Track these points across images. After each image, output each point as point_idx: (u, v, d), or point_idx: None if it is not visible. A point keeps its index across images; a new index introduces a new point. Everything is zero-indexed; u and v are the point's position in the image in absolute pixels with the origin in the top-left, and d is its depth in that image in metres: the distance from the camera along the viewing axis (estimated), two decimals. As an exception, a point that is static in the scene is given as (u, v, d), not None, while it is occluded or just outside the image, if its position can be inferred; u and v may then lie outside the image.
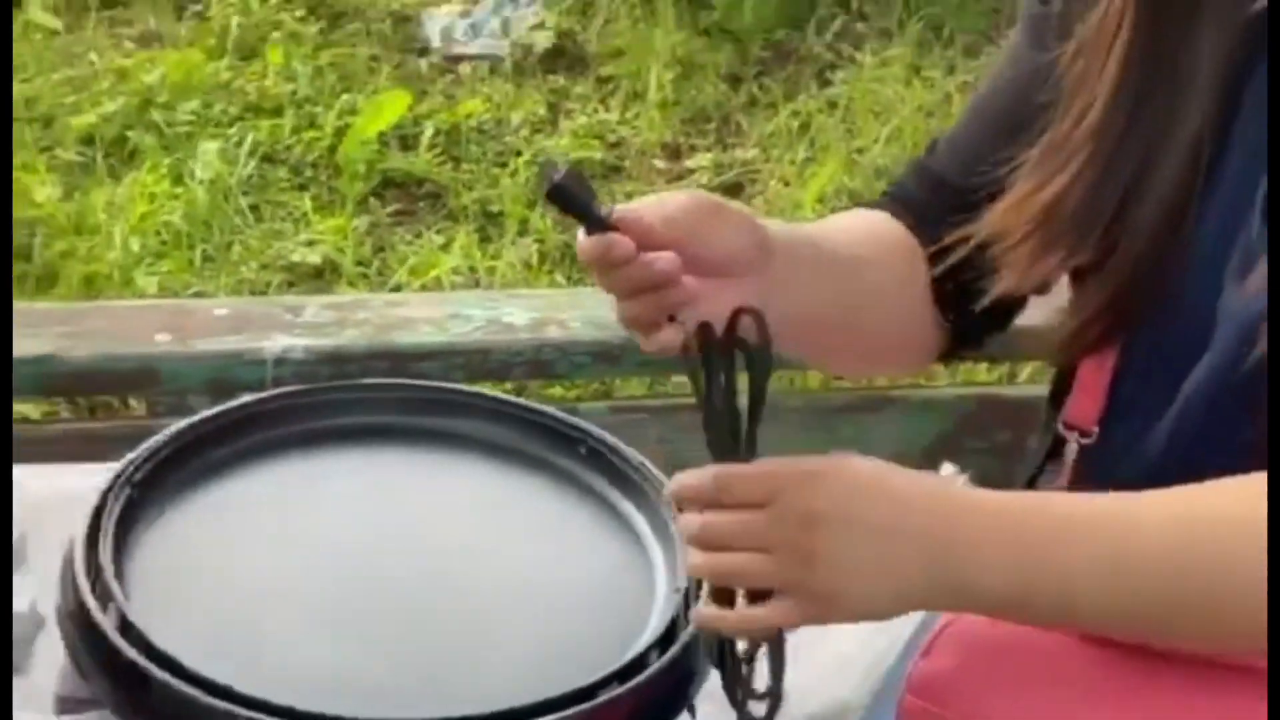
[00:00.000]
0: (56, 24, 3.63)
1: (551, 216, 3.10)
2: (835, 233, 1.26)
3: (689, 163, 3.38)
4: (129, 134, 3.14)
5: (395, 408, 1.38)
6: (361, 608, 1.21)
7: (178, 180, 3.05)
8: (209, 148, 3.11)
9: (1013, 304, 1.24)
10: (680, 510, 1.05)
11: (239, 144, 3.15)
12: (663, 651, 1.15)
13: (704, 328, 1.05)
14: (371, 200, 3.15)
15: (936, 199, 1.24)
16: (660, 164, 3.37)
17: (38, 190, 2.94)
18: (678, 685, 1.16)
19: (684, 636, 1.15)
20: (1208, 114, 1.09)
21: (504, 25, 3.86)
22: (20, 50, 3.43)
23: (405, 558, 1.27)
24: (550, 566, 1.26)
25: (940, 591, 1.02)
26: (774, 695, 1.06)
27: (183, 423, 1.32)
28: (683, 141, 3.44)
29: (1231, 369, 1.07)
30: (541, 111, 3.48)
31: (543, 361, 1.71)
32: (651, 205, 1.11)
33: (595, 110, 3.51)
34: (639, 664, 1.14)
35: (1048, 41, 1.17)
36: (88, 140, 3.13)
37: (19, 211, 2.88)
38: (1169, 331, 1.11)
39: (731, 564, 1.01)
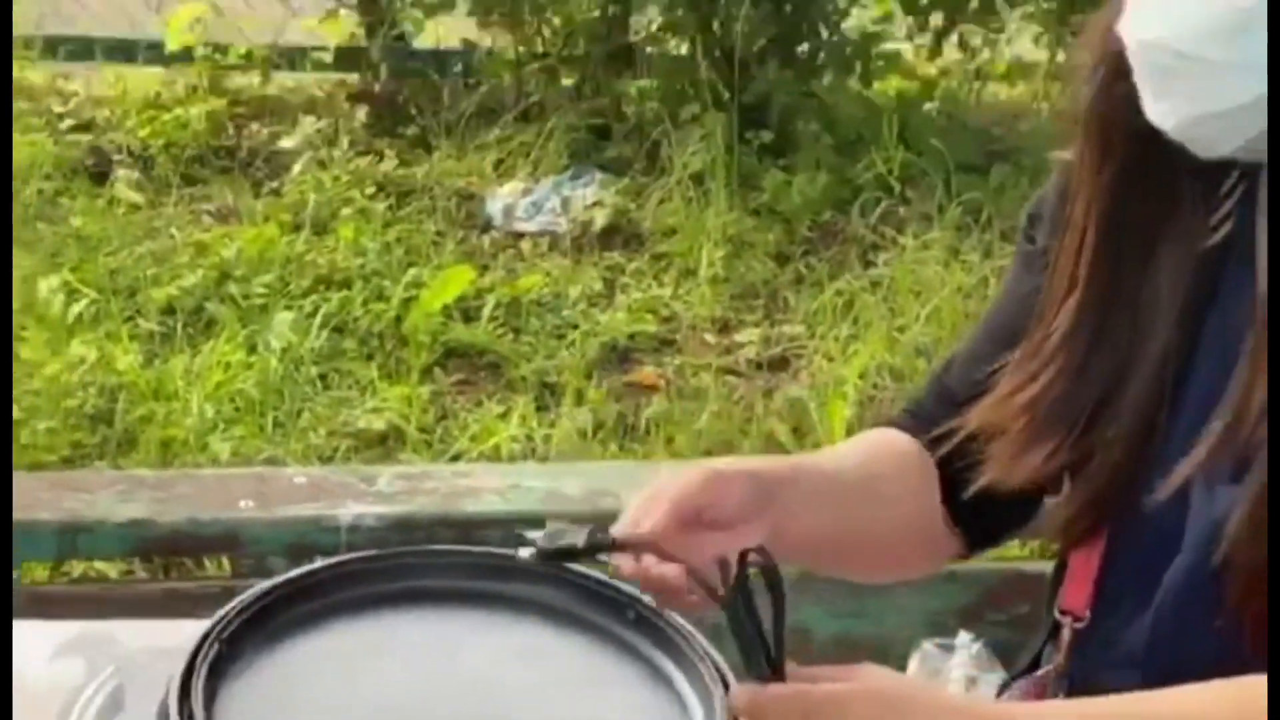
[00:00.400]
0: (140, 199, 3.84)
1: (608, 386, 3.24)
2: (849, 455, 1.38)
3: (738, 337, 3.52)
4: (207, 305, 3.32)
5: (459, 573, 1.50)
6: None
7: (252, 349, 3.21)
8: (282, 319, 3.28)
9: (1029, 504, 1.34)
10: None
11: (310, 315, 3.32)
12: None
13: (724, 565, 1.17)
14: (435, 369, 3.30)
15: (946, 413, 1.35)
16: (710, 338, 3.51)
17: (120, 358, 3.11)
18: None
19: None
20: (1171, 337, 1.21)
21: (563, 203, 4.05)
22: (106, 224, 3.64)
23: (463, 707, 1.38)
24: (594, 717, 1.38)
25: None
26: None
27: (265, 584, 1.44)
28: (732, 317, 3.59)
29: (1202, 566, 1.17)
30: (598, 286, 3.65)
31: (595, 530, 1.83)
32: (649, 507, 1.26)
33: (649, 286, 3.67)
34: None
35: (1037, 270, 1.31)
36: (168, 311, 3.31)
37: (103, 378, 3.05)
38: (1148, 529, 1.22)
39: None
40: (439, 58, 4.48)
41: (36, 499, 1.66)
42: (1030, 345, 1.27)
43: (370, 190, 3.91)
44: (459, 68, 4.46)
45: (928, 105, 4.42)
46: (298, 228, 3.69)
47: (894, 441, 1.40)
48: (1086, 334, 1.24)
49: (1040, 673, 1.31)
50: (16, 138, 3.85)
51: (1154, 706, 1.13)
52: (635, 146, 4.18)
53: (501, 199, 4.02)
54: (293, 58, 4.50)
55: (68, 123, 4.14)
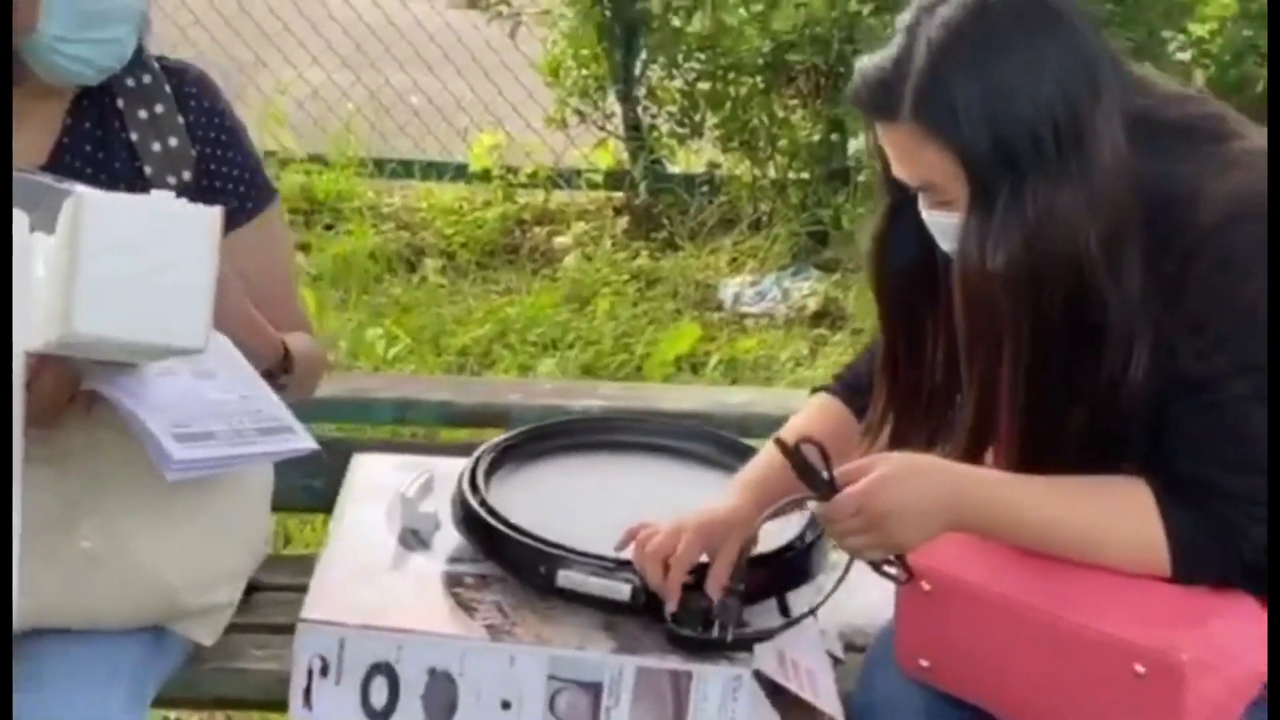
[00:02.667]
0: (444, 281, 4.82)
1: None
2: (798, 429, 2.06)
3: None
4: (492, 349, 4.25)
5: (644, 431, 2.37)
6: (611, 523, 2.13)
7: (526, 381, 4.10)
8: (547, 363, 4.18)
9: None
10: None
11: (570, 361, 4.22)
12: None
13: (797, 450, 1.89)
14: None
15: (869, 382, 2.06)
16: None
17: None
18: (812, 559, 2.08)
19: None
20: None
21: (784, 293, 4.86)
22: (417, 295, 4.61)
23: (635, 502, 2.19)
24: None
25: (954, 528, 1.87)
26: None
27: (525, 427, 2.34)
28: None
29: None
30: (804, 351, 4.46)
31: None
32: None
33: (847, 352, 4.46)
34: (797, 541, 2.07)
35: None
36: (462, 353, 4.25)
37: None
38: None
39: (851, 545, 1.90)
40: (688, 178, 5.34)
41: (378, 385, 2.59)
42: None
43: (625, 277, 4.81)
44: (705, 187, 5.32)
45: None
46: (566, 302, 4.61)
47: (827, 407, 2.13)
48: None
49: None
50: (348, 235, 4.86)
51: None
52: (848, 249, 4.99)
53: (732, 287, 4.85)
54: (569, 177, 5.46)
55: (389, 224, 5.16)
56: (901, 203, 1.92)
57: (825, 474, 1.88)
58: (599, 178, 5.43)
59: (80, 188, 1.72)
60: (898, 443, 2.00)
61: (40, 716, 1.85)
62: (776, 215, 5.08)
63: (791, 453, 1.88)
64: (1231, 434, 1.79)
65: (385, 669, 1.98)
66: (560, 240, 5.07)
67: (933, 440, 1.98)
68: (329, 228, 5.02)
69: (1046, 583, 1.85)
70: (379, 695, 1.98)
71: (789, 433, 2.03)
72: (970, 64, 1.78)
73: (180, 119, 2.09)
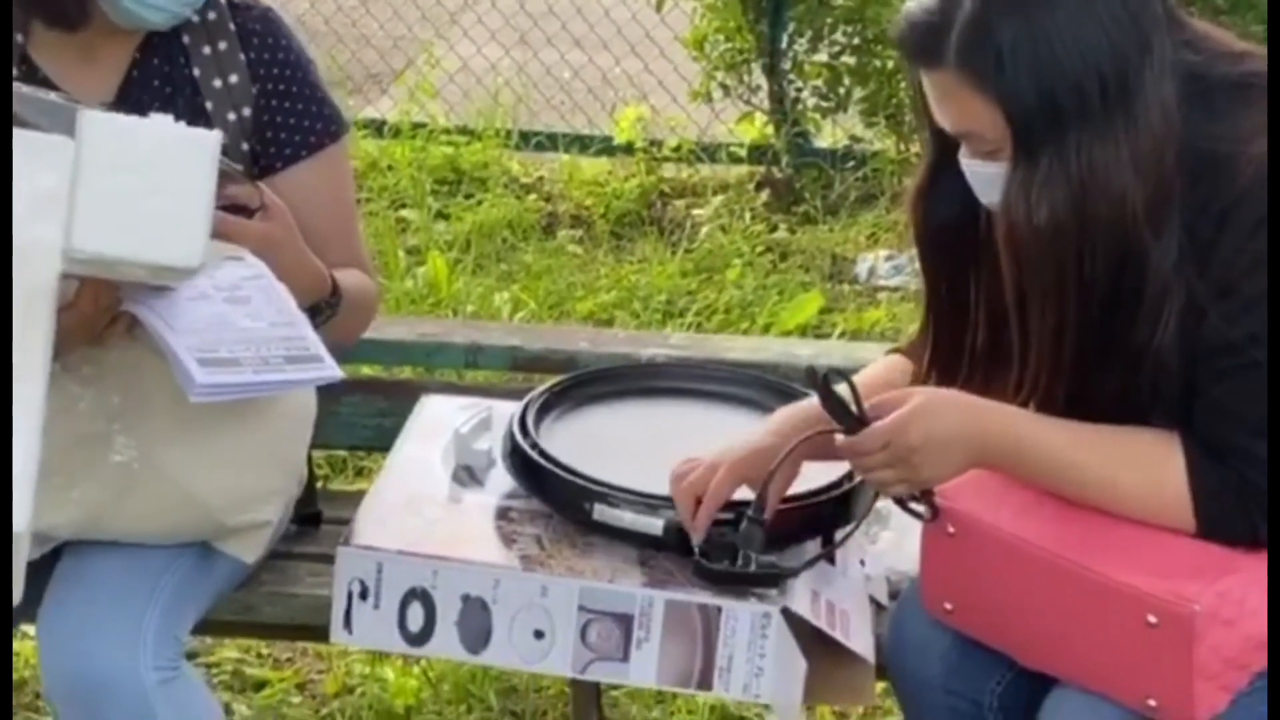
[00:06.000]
0: (579, 250, 4.86)
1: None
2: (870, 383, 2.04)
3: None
4: (615, 314, 4.28)
5: (696, 378, 2.38)
6: (655, 465, 2.14)
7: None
8: (667, 330, 4.20)
9: None
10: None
11: (693, 329, 4.23)
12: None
13: (825, 380, 1.88)
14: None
15: None
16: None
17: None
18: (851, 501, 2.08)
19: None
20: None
21: (922, 267, 4.81)
22: (551, 263, 4.66)
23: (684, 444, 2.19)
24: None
25: (979, 464, 1.86)
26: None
27: (578, 371, 2.36)
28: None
29: None
30: (932, 324, 4.40)
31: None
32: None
33: (976, 327, 4.41)
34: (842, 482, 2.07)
35: None
36: (585, 318, 4.29)
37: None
38: None
39: (878, 479, 1.89)
40: (831, 152, 5.32)
41: (450, 329, 2.64)
42: None
43: (759, 249, 4.81)
44: (848, 162, 5.28)
45: None
46: (696, 272, 4.62)
47: (894, 363, 2.12)
48: None
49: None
50: (489, 205, 4.95)
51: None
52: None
53: (868, 261, 4.80)
54: (713, 151, 5.47)
55: (531, 195, 5.22)
56: (946, 156, 1.91)
57: (854, 407, 1.87)
58: (742, 151, 5.42)
59: (94, 110, 1.79)
60: None
61: (75, 627, 1.93)
62: (919, 191, 5.02)
63: (819, 383, 1.88)
64: (1255, 397, 1.76)
65: (421, 594, 2.03)
66: (699, 213, 5.08)
67: None
68: (470, 196, 5.09)
69: (1068, 529, 1.83)
70: (415, 620, 2.03)
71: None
72: (1017, 11, 1.76)
73: (242, 56, 2.15)
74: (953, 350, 1.98)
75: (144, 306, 1.82)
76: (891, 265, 4.82)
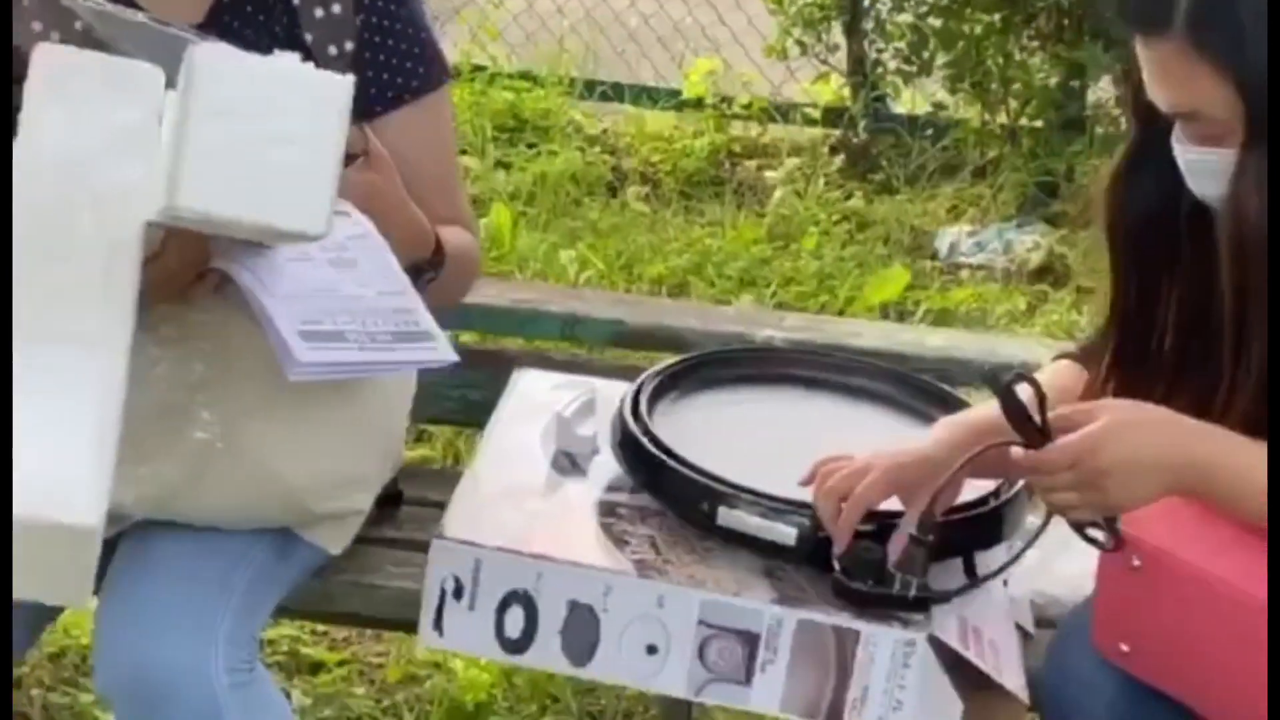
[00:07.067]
0: (645, 209, 4.63)
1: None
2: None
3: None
4: (688, 280, 4.06)
5: (817, 367, 2.15)
6: (782, 463, 1.92)
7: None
8: (745, 299, 3.97)
9: None
10: None
11: (770, 298, 4.00)
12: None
13: (1009, 387, 1.64)
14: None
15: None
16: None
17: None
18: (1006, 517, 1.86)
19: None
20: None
21: (1005, 245, 4.57)
22: (616, 220, 4.43)
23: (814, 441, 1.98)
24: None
25: (1175, 491, 1.62)
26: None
27: (691, 354, 2.13)
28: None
29: None
30: (1021, 307, 4.18)
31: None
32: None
33: (1067, 312, 4.18)
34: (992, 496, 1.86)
35: None
36: (656, 281, 4.06)
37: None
38: None
39: (1060, 501, 1.65)
40: (911, 119, 5.08)
41: (547, 296, 2.42)
42: None
43: (835, 218, 4.58)
44: (928, 130, 5.05)
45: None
46: (769, 239, 4.39)
47: (1064, 369, 1.88)
48: None
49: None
50: (551, 155, 4.70)
51: None
52: (1079, 203, 4.68)
53: (949, 236, 4.58)
54: (786, 111, 5.23)
55: (595, 148, 4.98)
56: (1150, 138, 1.69)
57: (1038, 418, 1.65)
58: (817, 113, 5.19)
59: (207, 43, 1.55)
60: None
61: (138, 618, 1.71)
62: (1004, 163, 4.81)
63: (1002, 390, 1.65)
64: None
65: (523, 597, 1.81)
66: (770, 175, 4.85)
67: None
68: (531, 146, 4.86)
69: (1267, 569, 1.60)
70: (514, 625, 1.81)
71: None
72: None
73: (346, -16, 1.92)
74: (1138, 357, 1.76)
75: (239, 265, 1.60)
76: (974, 241, 4.61)
